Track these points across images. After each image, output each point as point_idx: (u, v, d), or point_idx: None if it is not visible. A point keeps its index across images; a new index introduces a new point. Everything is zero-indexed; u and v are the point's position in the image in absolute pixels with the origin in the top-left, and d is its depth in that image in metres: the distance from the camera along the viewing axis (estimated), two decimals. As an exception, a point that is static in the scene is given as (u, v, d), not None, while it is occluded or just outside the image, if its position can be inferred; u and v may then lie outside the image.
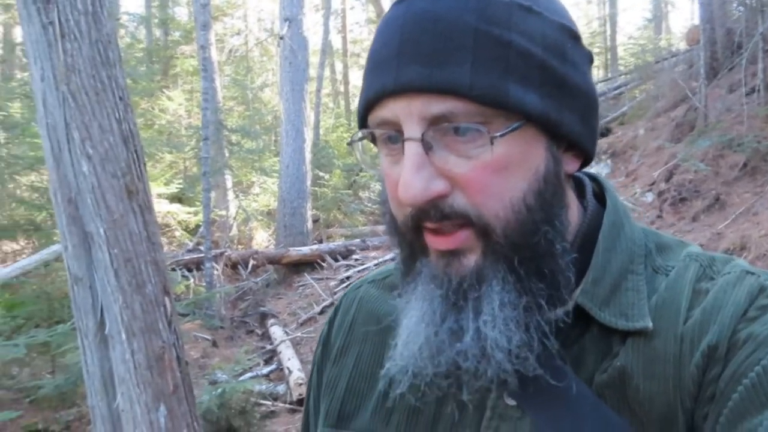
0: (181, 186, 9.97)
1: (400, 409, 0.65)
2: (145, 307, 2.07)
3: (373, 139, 0.61)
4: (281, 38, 9.00)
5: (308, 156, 9.61)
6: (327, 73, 19.83)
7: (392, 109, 0.55)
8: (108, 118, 2.03)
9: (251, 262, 8.05)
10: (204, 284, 7.10)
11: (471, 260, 0.56)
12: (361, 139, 0.62)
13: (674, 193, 5.25)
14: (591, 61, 0.62)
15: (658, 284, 0.61)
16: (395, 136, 0.57)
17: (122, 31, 14.66)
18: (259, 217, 10.82)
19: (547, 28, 0.56)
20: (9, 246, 7.92)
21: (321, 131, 14.47)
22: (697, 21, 8.53)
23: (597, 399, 0.56)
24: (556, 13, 0.58)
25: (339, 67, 22.35)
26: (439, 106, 0.53)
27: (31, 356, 4.73)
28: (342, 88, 20.73)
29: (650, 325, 0.57)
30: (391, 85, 0.54)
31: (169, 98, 12.90)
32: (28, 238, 7.53)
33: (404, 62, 0.54)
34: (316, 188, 11.35)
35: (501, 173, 0.54)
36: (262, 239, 10.70)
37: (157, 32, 15.66)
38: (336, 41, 21.29)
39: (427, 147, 0.54)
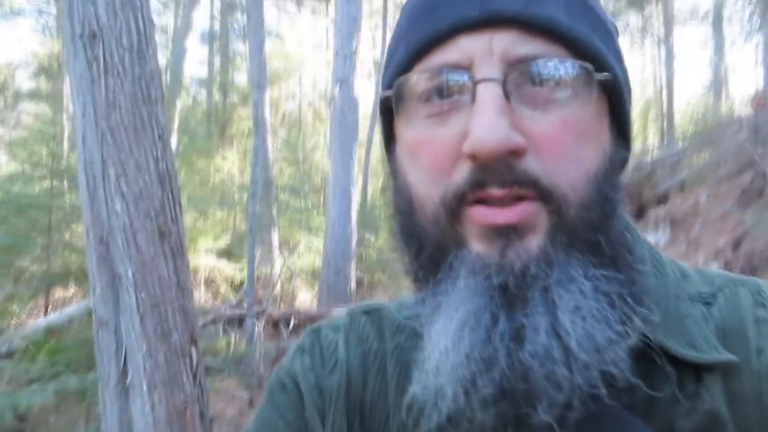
0: (230, 242, 10.05)
1: None
2: (169, 357, 1.94)
3: (395, 105, 0.51)
4: (332, 99, 9.15)
5: (354, 216, 9.57)
6: (377, 138, 20.09)
7: (464, 47, 0.47)
8: (145, 156, 1.97)
9: (293, 321, 7.92)
10: (245, 341, 6.99)
11: (535, 241, 0.46)
12: (393, 95, 0.51)
13: (743, 263, 4.91)
14: None
15: (707, 313, 0.53)
16: (454, 83, 0.47)
17: (183, 93, 15.31)
18: (304, 276, 10.76)
19: (605, 17, 0.54)
20: (60, 293, 8.05)
21: (368, 193, 14.53)
22: (761, 85, 8.29)
23: None
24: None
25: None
26: (527, 46, 0.47)
27: (66, 405, 4.69)
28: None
29: (734, 358, 0.49)
30: (475, 12, 0.47)
31: (224, 157, 13.25)
32: (78, 286, 7.65)
33: None
34: (362, 249, 11.26)
35: (579, 138, 0.47)
36: (306, 298, 10.60)
37: (217, 95, 16.29)
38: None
39: (507, 93, 0.46)
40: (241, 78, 17.65)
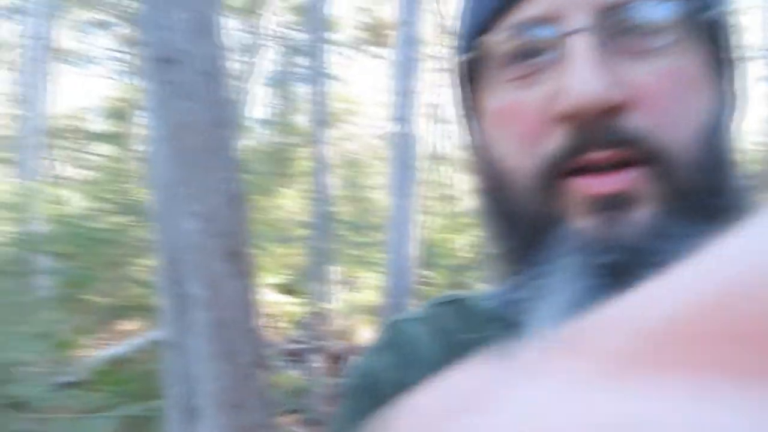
0: (291, 277, 10.13)
1: None
2: (236, 379, 1.91)
3: (474, 71, 0.47)
4: (392, 137, 9.22)
5: (414, 253, 9.51)
6: (436, 177, 20.14)
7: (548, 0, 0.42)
8: (217, 177, 1.98)
9: (352, 357, 7.85)
10: (304, 376, 6.96)
11: (645, 212, 0.41)
12: (470, 59, 0.46)
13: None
14: None
15: None
16: (540, 39, 0.43)
17: (246, 133, 15.80)
18: (363, 312, 10.71)
19: None
20: (125, 326, 8.25)
21: (428, 230, 14.49)
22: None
23: None
24: None
25: (449, 172, 22.65)
26: None
27: (129, 434, 4.74)
28: (450, 193, 20.91)
29: None
30: None
31: (285, 196, 13.53)
32: (142, 319, 7.83)
33: None
34: (422, 286, 11.16)
35: (686, 89, 0.41)
36: (366, 335, 10.52)
37: (279, 136, 16.74)
38: (447, 147, 21.73)
39: (602, 43, 0.41)
40: (302, 119, 18.10)
